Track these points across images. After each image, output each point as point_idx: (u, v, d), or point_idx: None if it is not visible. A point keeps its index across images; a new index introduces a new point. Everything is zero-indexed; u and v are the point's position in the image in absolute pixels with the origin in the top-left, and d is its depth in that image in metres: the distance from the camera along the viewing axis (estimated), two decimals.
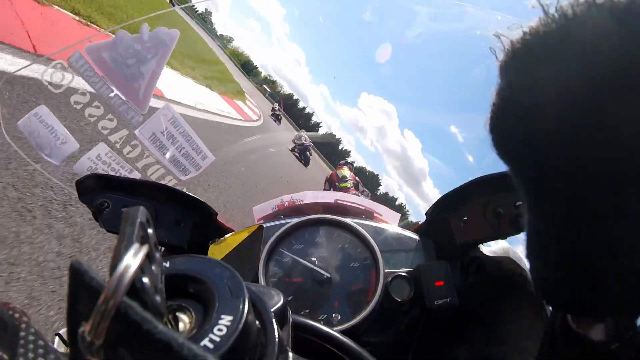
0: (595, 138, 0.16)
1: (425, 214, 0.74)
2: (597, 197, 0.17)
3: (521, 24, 0.18)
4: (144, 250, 0.17)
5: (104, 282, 0.15)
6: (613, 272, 0.19)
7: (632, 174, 0.16)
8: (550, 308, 0.27)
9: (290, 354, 0.24)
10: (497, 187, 0.63)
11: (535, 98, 0.17)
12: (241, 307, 0.20)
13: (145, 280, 0.17)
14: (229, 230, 0.76)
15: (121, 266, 0.16)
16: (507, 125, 0.19)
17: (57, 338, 0.45)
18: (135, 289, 0.16)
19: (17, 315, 0.20)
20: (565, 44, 0.16)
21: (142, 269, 0.17)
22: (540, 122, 0.17)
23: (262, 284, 0.64)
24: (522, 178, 0.20)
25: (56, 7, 4.59)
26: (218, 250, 0.71)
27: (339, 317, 0.61)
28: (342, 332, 0.59)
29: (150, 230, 0.19)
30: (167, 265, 0.23)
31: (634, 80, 0.14)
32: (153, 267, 0.18)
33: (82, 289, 0.16)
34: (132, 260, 0.16)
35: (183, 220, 0.69)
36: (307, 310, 0.62)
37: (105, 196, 0.63)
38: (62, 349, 0.44)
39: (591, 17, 0.16)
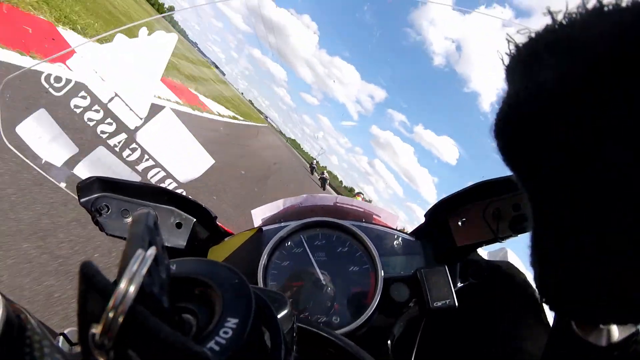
0: (601, 145, 0.16)
1: (425, 216, 0.74)
2: (603, 203, 0.17)
3: (530, 30, 0.18)
4: (152, 254, 0.17)
5: (113, 285, 0.16)
6: (618, 278, 0.19)
7: (637, 179, 0.16)
8: (554, 313, 0.27)
9: (295, 357, 0.24)
10: (497, 190, 0.63)
11: (541, 104, 0.17)
12: (247, 310, 0.20)
13: (153, 283, 0.17)
14: (229, 233, 0.76)
15: (130, 270, 0.16)
16: (512, 132, 0.19)
17: (61, 338, 0.45)
18: (143, 292, 0.16)
19: (23, 315, 0.20)
20: (571, 50, 0.17)
21: (149, 272, 0.17)
22: (546, 129, 0.17)
23: (261, 287, 0.64)
24: (527, 184, 0.20)
25: None
26: (217, 253, 0.71)
27: (339, 320, 0.61)
28: (342, 335, 0.59)
29: (157, 234, 0.19)
30: (174, 268, 0.23)
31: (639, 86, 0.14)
32: (160, 270, 0.19)
33: (92, 291, 0.16)
34: (141, 264, 0.16)
35: (183, 223, 0.69)
36: (307, 313, 0.62)
37: (106, 199, 0.63)
38: (66, 348, 0.44)
39: (598, 24, 0.16)
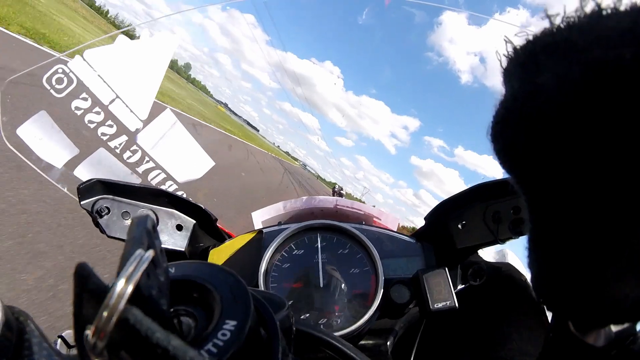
0: (598, 149, 0.16)
1: (425, 219, 0.74)
2: (598, 206, 0.17)
3: (528, 32, 0.18)
4: (149, 256, 0.17)
5: (108, 286, 0.16)
6: (613, 279, 0.19)
7: (633, 183, 0.16)
8: (551, 314, 0.27)
9: (293, 359, 0.24)
10: (497, 193, 0.63)
11: (538, 108, 0.17)
12: (245, 312, 0.20)
13: (150, 285, 0.17)
14: (229, 236, 0.76)
15: (126, 272, 0.16)
16: (509, 135, 0.19)
17: (59, 340, 0.45)
18: (140, 295, 0.16)
19: (22, 318, 0.20)
20: (569, 53, 0.16)
21: (147, 275, 0.17)
22: (543, 133, 0.17)
23: (262, 289, 0.64)
24: (523, 187, 0.20)
25: None
26: (218, 256, 0.71)
27: (339, 322, 0.61)
28: (343, 336, 0.59)
29: (155, 237, 0.19)
30: (172, 270, 0.23)
31: (639, 90, 0.14)
32: (158, 273, 0.19)
33: (86, 293, 0.16)
34: (137, 266, 0.16)
35: (183, 225, 0.69)
36: (308, 315, 0.62)
37: (106, 201, 0.63)
38: (64, 350, 0.44)
39: (596, 27, 0.16)
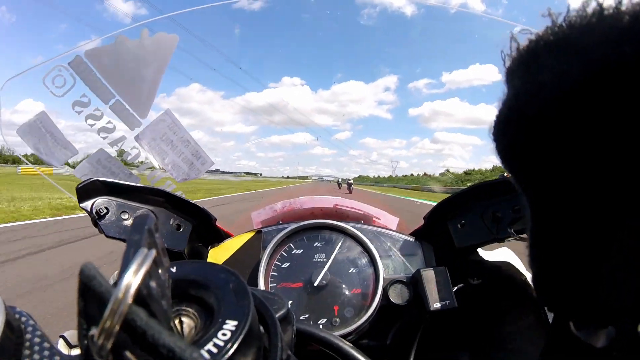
0: (599, 150, 0.16)
1: (424, 218, 0.74)
2: (599, 207, 0.18)
3: (531, 31, 0.18)
4: (152, 256, 0.17)
5: (112, 288, 0.16)
6: (614, 279, 0.19)
7: (634, 185, 0.16)
8: (552, 314, 0.27)
9: (293, 358, 0.24)
10: (496, 192, 0.63)
11: (540, 108, 0.17)
12: (246, 311, 0.20)
13: (153, 285, 0.17)
14: (228, 235, 0.76)
15: (129, 273, 0.16)
16: (511, 135, 0.19)
17: (60, 340, 0.45)
18: (142, 295, 0.16)
19: (23, 318, 0.20)
20: (570, 52, 0.17)
21: (149, 275, 0.17)
22: (545, 132, 0.17)
23: (262, 288, 0.64)
24: (525, 186, 0.20)
25: None
26: (217, 255, 0.71)
27: (339, 322, 0.61)
28: (342, 336, 0.59)
29: (157, 237, 0.19)
30: (173, 270, 0.23)
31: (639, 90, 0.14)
32: (160, 273, 0.19)
33: (91, 294, 0.16)
34: (140, 267, 0.16)
35: (182, 225, 0.69)
36: (307, 315, 0.62)
37: (105, 202, 0.63)
38: (65, 350, 0.44)
39: (597, 27, 0.16)
